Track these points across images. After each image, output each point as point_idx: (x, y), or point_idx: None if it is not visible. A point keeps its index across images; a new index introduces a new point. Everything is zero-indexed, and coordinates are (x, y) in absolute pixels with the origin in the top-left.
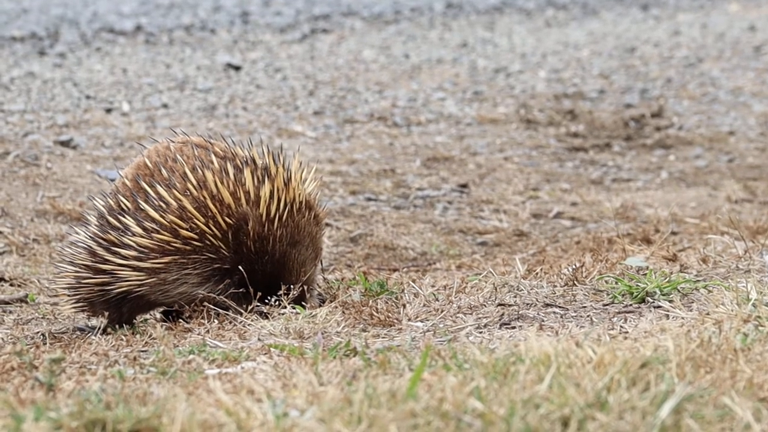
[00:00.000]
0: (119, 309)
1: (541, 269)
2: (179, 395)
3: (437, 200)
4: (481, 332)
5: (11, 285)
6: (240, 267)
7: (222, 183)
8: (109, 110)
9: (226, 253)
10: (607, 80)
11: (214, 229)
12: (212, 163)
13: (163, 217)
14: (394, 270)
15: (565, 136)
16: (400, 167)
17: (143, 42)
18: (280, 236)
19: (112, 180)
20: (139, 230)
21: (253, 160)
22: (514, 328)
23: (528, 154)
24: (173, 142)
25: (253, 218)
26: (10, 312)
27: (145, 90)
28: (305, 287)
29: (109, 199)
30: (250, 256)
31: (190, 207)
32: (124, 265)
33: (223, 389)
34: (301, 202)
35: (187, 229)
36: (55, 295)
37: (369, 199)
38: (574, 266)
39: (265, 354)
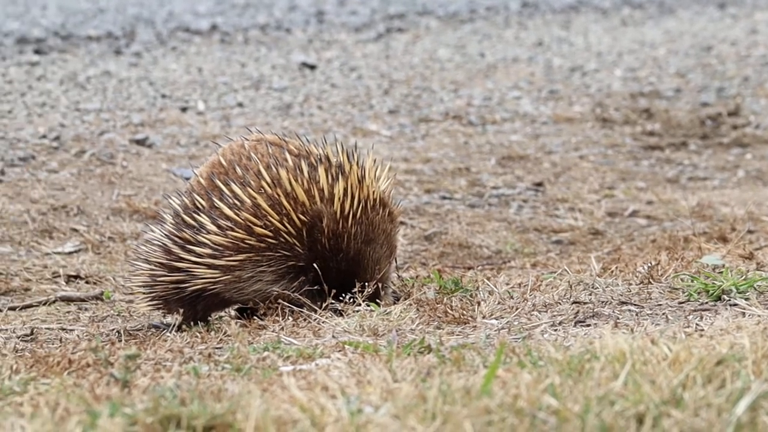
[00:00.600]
0: (194, 307)
1: (617, 267)
2: (254, 392)
3: (512, 199)
4: (555, 330)
5: (87, 282)
6: (314, 264)
7: (296, 180)
8: (184, 109)
9: (300, 250)
10: (684, 79)
11: (288, 226)
12: (286, 161)
13: (237, 215)
14: (469, 268)
15: (641, 134)
16: (475, 166)
17: (218, 41)
18: (354, 233)
19: (187, 179)
20: (213, 228)
21: (327, 158)
22: (589, 325)
23: (603, 153)
24: (248, 140)
25: (328, 215)
26: (86, 309)
27: (220, 89)
28: (380, 285)
29: (184, 198)
30: (324, 254)
31: (264, 204)
32: (198, 263)
33: (297, 386)
34: (375, 200)
35: (261, 227)
36: (131, 293)
37: (444, 198)
38: (649, 264)
39: (340, 351)
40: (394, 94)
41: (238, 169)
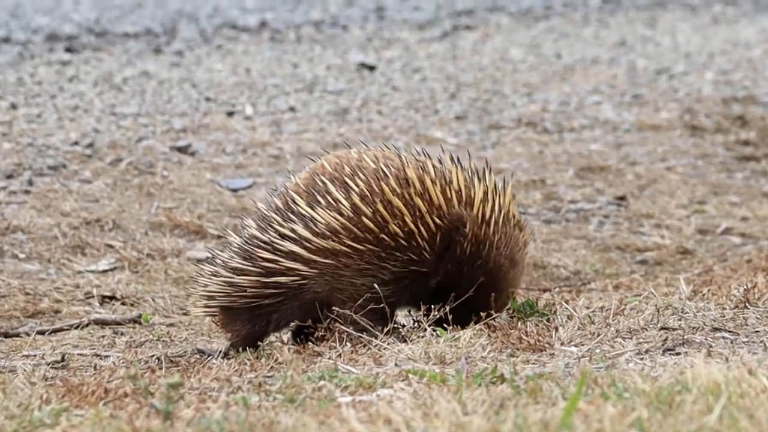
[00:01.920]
0: (268, 318)
1: (708, 290)
2: (309, 424)
3: (592, 214)
4: (642, 358)
5: (123, 304)
6: (444, 270)
7: (434, 185)
8: (230, 113)
9: (427, 255)
10: None
11: (422, 228)
12: (407, 164)
13: (366, 205)
14: (545, 290)
15: (735, 144)
16: (551, 177)
17: (268, 39)
18: (497, 242)
19: (234, 190)
20: (324, 214)
21: (459, 161)
22: (678, 354)
23: (693, 164)
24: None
25: (471, 219)
26: (122, 334)
27: (270, 92)
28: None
29: (274, 199)
30: (461, 259)
31: (399, 203)
32: (302, 250)
33: (357, 418)
34: (514, 216)
35: (395, 225)
36: (192, 303)
37: None
38: (745, 287)
39: (403, 380)
40: (461, 98)
41: (347, 169)
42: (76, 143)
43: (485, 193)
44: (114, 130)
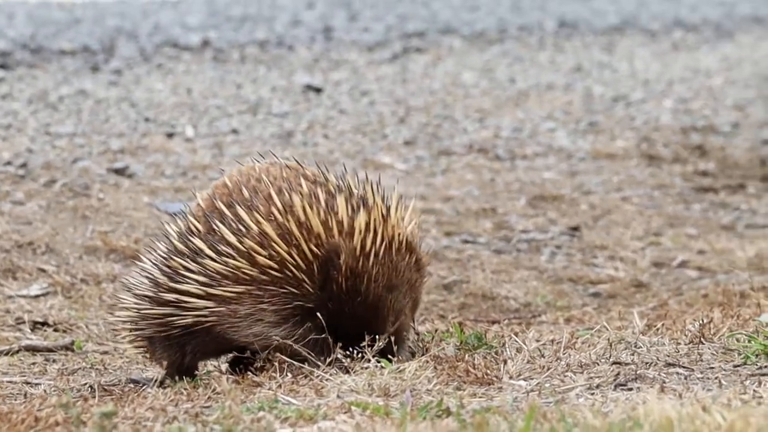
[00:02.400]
0: (182, 349)
1: (663, 325)
2: None
3: (544, 244)
4: (593, 393)
5: (55, 330)
6: (326, 306)
7: (312, 208)
8: (170, 135)
9: (309, 288)
10: (743, 112)
11: (297, 258)
12: (301, 186)
13: (240, 241)
14: (494, 322)
15: (693, 174)
16: (502, 206)
17: (211, 59)
18: (375, 275)
19: (173, 214)
20: (210, 253)
21: (349, 188)
22: (631, 389)
23: (649, 195)
24: (259, 162)
25: (347, 251)
26: (54, 361)
27: (212, 113)
28: (394, 339)
29: (179, 222)
30: (339, 296)
31: (271, 232)
32: (191, 294)
33: None
34: (401, 242)
35: (265, 257)
36: (114, 329)
37: (466, 242)
38: (700, 322)
39: (346, 413)
40: (410, 123)
41: (245, 191)
42: (8, 163)
43: (368, 224)
44: (48, 150)
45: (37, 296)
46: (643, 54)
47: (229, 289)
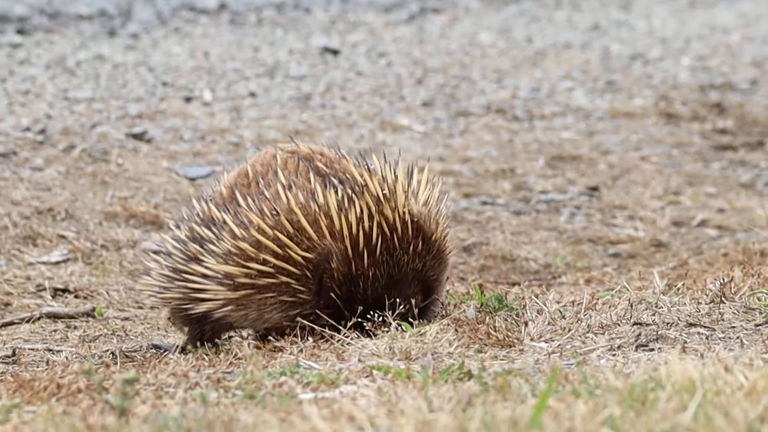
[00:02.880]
0: (201, 326)
1: (683, 284)
2: (270, 422)
3: (563, 205)
4: (614, 354)
5: (76, 297)
6: (326, 312)
7: (306, 209)
8: (188, 99)
9: (306, 297)
10: (761, 69)
11: (288, 265)
12: (308, 182)
13: (243, 239)
14: (514, 284)
15: (711, 132)
16: (521, 167)
17: (228, 22)
18: (372, 277)
19: (192, 179)
20: (217, 250)
21: (355, 178)
22: (652, 350)
23: (668, 153)
24: (282, 151)
25: (338, 255)
26: (75, 327)
27: (229, 76)
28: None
29: (203, 204)
30: (335, 303)
31: (267, 233)
32: (201, 283)
33: (319, 415)
34: (404, 226)
35: (259, 262)
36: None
37: (485, 203)
38: (721, 281)
39: (367, 377)
40: (428, 84)
41: (262, 184)
42: (27, 129)
43: (359, 217)
44: (67, 116)
45: (57, 263)
46: (660, 11)
47: (230, 294)
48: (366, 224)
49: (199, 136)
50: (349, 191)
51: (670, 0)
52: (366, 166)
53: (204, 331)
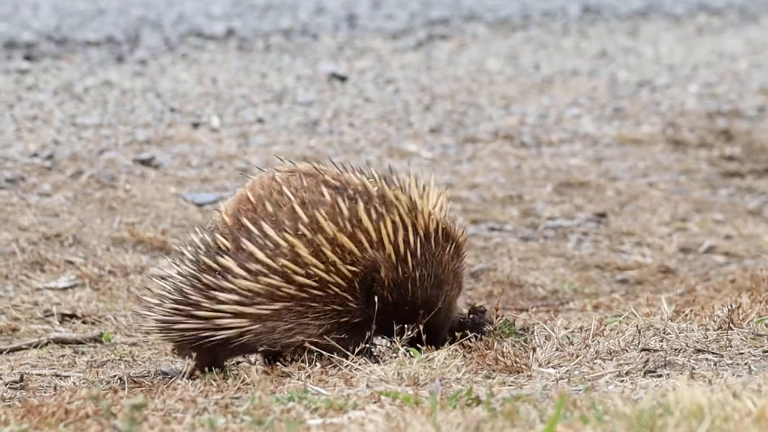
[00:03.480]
0: (212, 354)
1: (691, 311)
2: None
3: (571, 231)
4: (622, 380)
5: (84, 323)
6: (376, 317)
7: (338, 224)
8: (196, 125)
9: (354, 305)
10: None
11: (336, 278)
12: (323, 196)
13: (273, 260)
14: (522, 310)
15: (719, 159)
16: (529, 193)
17: (236, 48)
18: (420, 277)
19: (200, 205)
20: (242, 272)
21: (366, 189)
22: (660, 376)
23: (676, 180)
24: (279, 171)
25: (384, 263)
26: (83, 353)
27: (237, 102)
28: (433, 328)
29: (205, 236)
30: (386, 307)
31: (303, 251)
32: (223, 310)
33: None
34: (436, 231)
35: (302, 276)
36: (145, 332)
37: (492, 229)
38: (729, 307)
39: (375, 402)
40: (436, 111)
41: (269, 206)
42: (35, 155)
43: (395, 224)
44: (75, 142)
45: (65, 288)
46: (668, 38)
47: (265, 307)
48: (401, 232)
49: (207, 162)
50: (376, 203)
51: (677, 27)
52: (384, 179)
53: (216, 358)
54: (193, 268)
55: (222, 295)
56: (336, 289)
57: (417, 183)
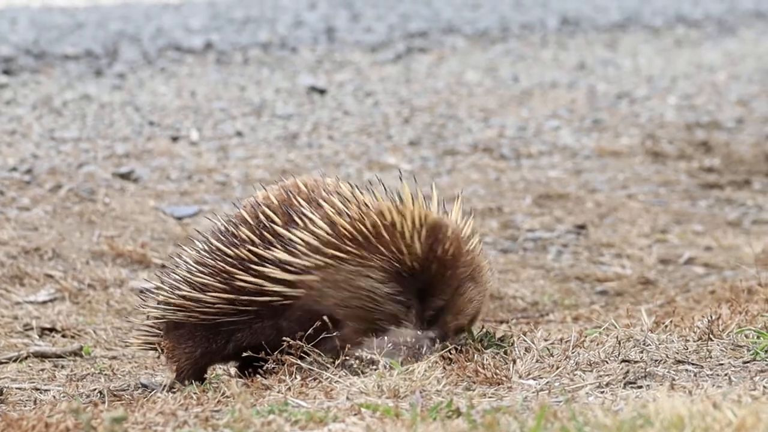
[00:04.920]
0: (226, 337)
1: (671, 322)
2: None
3: (550, 243)
4: (602, 392)
5: (63, 336)
6: (422, 277)
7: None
8: (175, 138)
9: (418, 250)
10: (747, 108)
11: (407, 222)
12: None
13: (347, 209)
14: (502, 321)
15: (698, 171)
16: (508, 205)
17: (214, 61)
18: (470, 253)
19: (179, 218)
20: (315, 219)
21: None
22: (640, 387)
23: (655, 192)
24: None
25: (451, 225)
26: (63, 367)
27: (216, 116)
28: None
29: (241, 212)
30: (443, 261)
31: (370, 200)
32: (288, 263)
33: None
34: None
35: (374, 220)
36: (131, 329)
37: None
38: (709, 318)
39: (356, 415)
40: (415, 123)
41: (322, 191)
42: (14, 169)
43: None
44: (53, 156)
45: (44, 302)
46: (646, 50)
47: (332, 252)
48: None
49: (186, 175)
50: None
51: (656, 39)
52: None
53: (229, 341)
54: (226, 244)
55: (276, 257)
56: (405, 232)
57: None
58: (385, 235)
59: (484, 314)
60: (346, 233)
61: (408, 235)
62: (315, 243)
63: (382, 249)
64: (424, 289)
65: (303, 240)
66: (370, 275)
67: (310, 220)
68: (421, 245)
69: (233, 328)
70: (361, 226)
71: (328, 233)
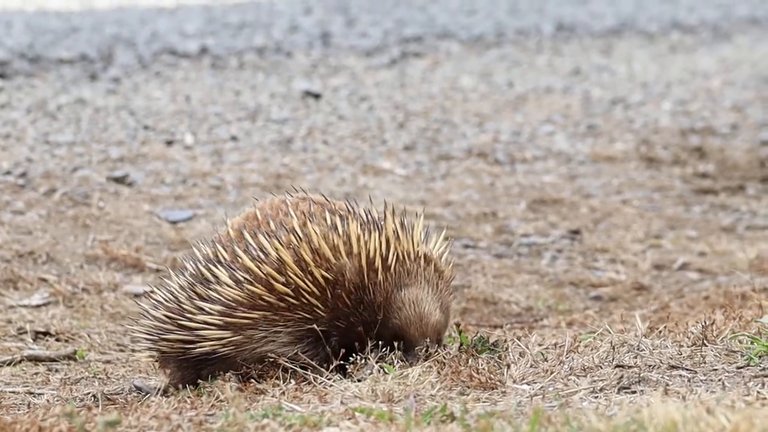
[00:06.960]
0: (196, 370)
1: (665, 327)
2: None
3: (545, 248)
4: (596, 397)
5: (57, 340)
6: (339, 326)
7: (327, 238)
8: (170, 143)
9: (322, 313)
10: (741, 114)
11: (311, 285)
12: (325, 219)
13: (259, 268)
14: (496, 326)
15: (692, 176)
16: (503, 210)
17: (209, 66)
18: (382, 281)
19: (173, 222)
20: (229, 281)
21: (371, 218)
22: (634, 392)
23: (649, 197)
24: (292, 196)
25: (351, 268)
26: (57, 370)
27: (211, 120)
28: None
29: (207, 249)
30: (346, 312)
31: (288, 259)
32: (209, 322)
33: None
34: (417, 255)
35: (282, 284)
36: (134, 341)
37: (467, 246)
38: (702, 324)
39: (350, 419)
40: (410, 128)
41: (272, 224)
42: (8, 173)
43: (380, 243)
44: (48, 160)
45: (38, 306)
46: (641, 56)
47: (246, 315)
48: (383, 251)
49: (181, 179)
50: (371, 225)
51: (651, 45)
52: (402, 224)
53: (199, 375)
54: (190, 279)
55: (208, 306)
56: (308, 297)
57: (419, 223)
58: (292, 301)
59: (449, 324)
60: (256, 300)
61: (312, 301)
62: (232, 294)
63: (287, 315)
64: (347, 337)
65: (224, 292)
66: (275, 340)
67: (229, 281)
68: (326, 309)
69: (200, 363)
70: (269, 294)
71: (240, 299)
